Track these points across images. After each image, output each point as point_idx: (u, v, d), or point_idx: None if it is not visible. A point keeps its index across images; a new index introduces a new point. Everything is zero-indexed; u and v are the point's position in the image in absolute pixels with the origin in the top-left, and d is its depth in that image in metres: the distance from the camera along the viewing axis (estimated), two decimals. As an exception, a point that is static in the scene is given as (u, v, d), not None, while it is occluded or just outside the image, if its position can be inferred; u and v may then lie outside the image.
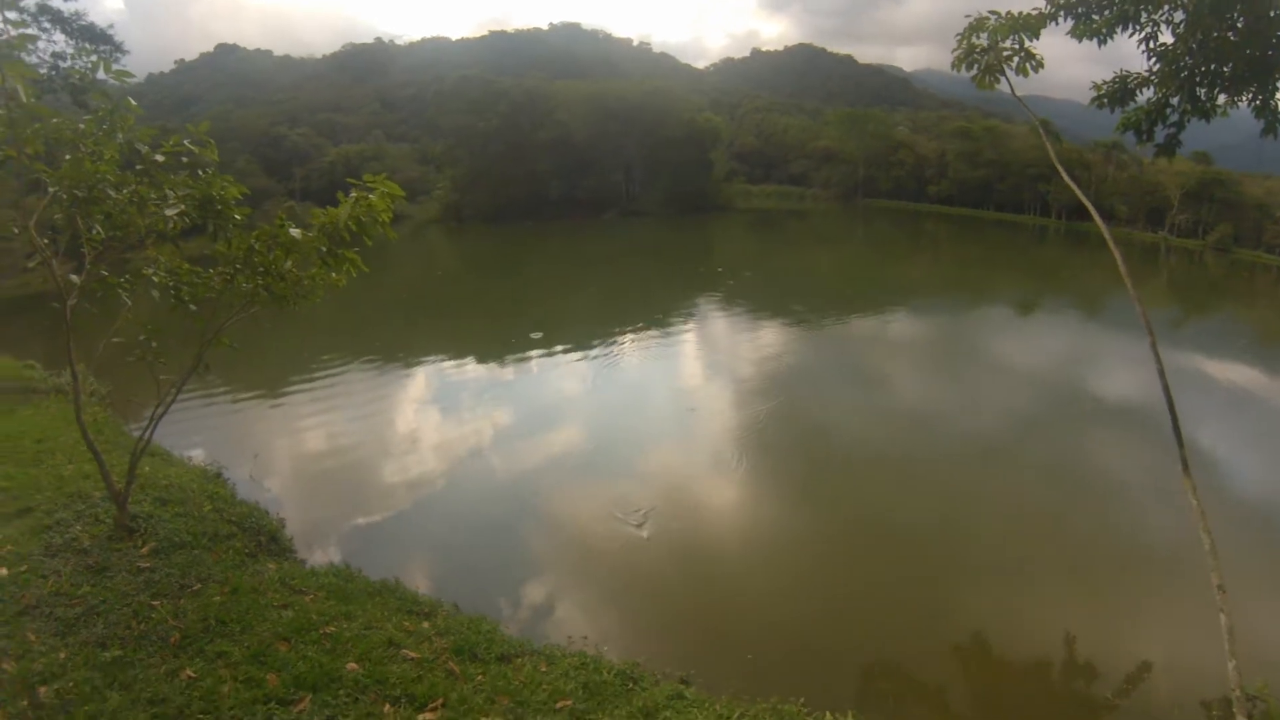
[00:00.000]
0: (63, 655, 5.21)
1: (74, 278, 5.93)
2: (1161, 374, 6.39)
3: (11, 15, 5.04)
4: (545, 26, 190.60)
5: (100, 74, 5.62)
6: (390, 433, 15.00)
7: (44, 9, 20.15)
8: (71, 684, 4.84)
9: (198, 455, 12.13)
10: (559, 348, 21.57)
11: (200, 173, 5.46)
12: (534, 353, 20.99)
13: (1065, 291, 43.47)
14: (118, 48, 22.48)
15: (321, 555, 9.10)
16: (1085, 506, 12.60)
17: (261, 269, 5.83)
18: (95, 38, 21.16)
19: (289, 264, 5.82)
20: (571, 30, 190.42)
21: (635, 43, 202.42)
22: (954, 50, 7.97)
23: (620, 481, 12.51)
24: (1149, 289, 46.69)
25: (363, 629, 5.98)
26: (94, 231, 5.57)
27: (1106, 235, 7.26)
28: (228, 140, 68.40)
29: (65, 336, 6.12)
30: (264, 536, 8.25)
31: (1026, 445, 15.80)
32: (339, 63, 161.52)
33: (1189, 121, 7.24)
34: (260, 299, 6.02)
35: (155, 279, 5.90)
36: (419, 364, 19.91)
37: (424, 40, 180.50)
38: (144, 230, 5.44)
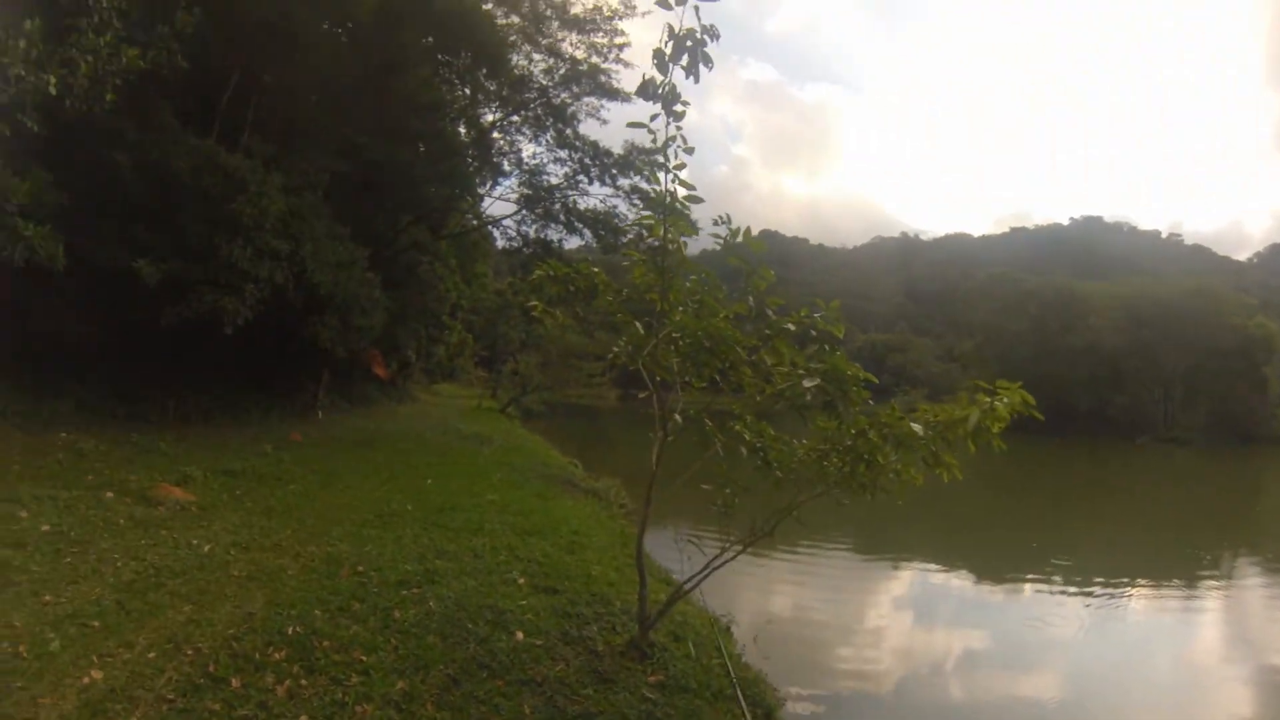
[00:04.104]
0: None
1: (676, 417, 6.48)
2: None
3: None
4: (1065, 221, 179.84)
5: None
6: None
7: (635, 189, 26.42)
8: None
9: (711, 596, 10.73)
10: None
11: (826, 348, 5.53)
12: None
13: None
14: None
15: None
16: None
17: (864, 456, 5.54)
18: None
19: (895, 457, 5.39)
20: (1093, 224, 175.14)
21: (1164, 234, 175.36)
22: None
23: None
24: None
25: None
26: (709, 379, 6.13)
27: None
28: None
29: (654, 462, 6.65)
30: (760, 710, 7.67)
31: None
32: (868, 253, 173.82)
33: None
34: (844, 483, 5.75)
35: (746, 436, 6.22)
36: (922, 569, 16.43)
37: (947, 236, 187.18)
38: (760, 392, 5.85)
